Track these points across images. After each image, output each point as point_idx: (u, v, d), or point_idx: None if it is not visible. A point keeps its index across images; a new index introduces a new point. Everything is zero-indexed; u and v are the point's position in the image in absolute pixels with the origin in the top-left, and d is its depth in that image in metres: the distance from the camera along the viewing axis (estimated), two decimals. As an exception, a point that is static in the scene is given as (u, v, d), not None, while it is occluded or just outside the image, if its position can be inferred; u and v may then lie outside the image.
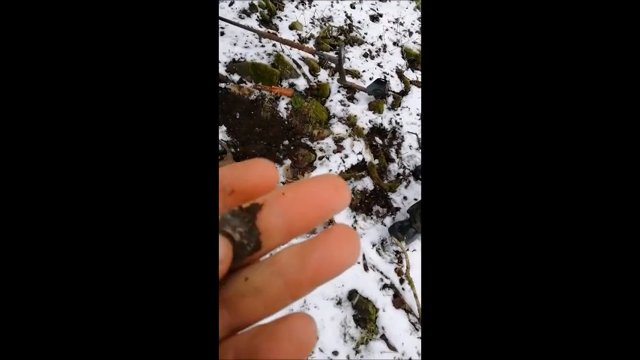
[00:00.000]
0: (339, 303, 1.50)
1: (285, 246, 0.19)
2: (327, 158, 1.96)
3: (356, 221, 1.79)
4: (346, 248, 0.17)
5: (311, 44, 2.46)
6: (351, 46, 2.61)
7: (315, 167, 1.93)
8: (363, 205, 1.88)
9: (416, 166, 2.03)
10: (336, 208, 0.18)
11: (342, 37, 2.61)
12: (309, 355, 0.17)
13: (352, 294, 1.52)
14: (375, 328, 1.47)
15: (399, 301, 1.57)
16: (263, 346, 0.16)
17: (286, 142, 1.98)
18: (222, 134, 1.87)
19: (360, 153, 2.00)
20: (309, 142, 2.01)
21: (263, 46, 2.23)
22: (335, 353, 1.37)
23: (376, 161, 2.04)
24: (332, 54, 2.25)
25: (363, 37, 2.68)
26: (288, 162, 1.91)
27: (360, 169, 1.99)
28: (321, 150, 1.99)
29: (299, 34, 2.48)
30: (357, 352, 1.39)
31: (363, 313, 1.48)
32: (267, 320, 0.18)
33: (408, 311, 1.55)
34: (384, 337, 1.47)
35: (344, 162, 1.96)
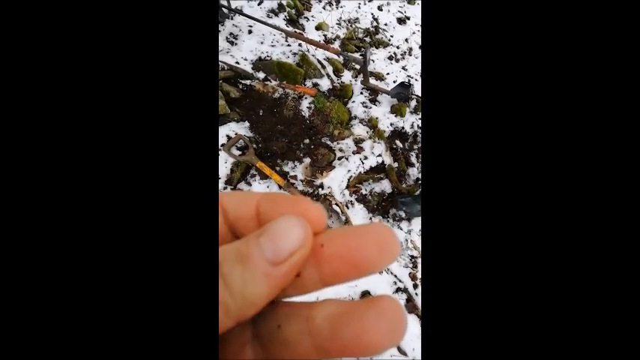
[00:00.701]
0: (351, 303, 1.50)
1: (324, 298, 0.17)
2: (347, 159, 1.97)
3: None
4: (386, 327, 0.15)
5: (336, 45, 2.47)
6: (377, 48, 2.61)
7: (334, 167, 1.94)
8: (379, 207, 1.88)
9: None
10: (381, 267, 0.16)
11: (367, 39, 2.62)
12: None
13: (365, 295, 1.53)
14: (385, 330, 1.46)
15: (411, 306, 1.56)
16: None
17: (307, 140, 2.00)
18: (245, 130, 1.92)
19: (379, 155, 2.00)
20: (329, 142, 2.02)
21: (289, 45, 2.27)
22: None
23: (395, 164, 2.03)
24: (357, 55, 2.26)
25: (389, 40, 2.67)
26: (307, 160, 1.93)
27: (378, 171, 1.99)
28: (340, 150, 2.01)
29: (325, 35, 2.50)
30: (367, 352, 1.39)
31: (375, 314, 1.48)
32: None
33: (421, 317, 1.53)
34: (394, 341, 1.46)
35: (363, 163, 1.96)
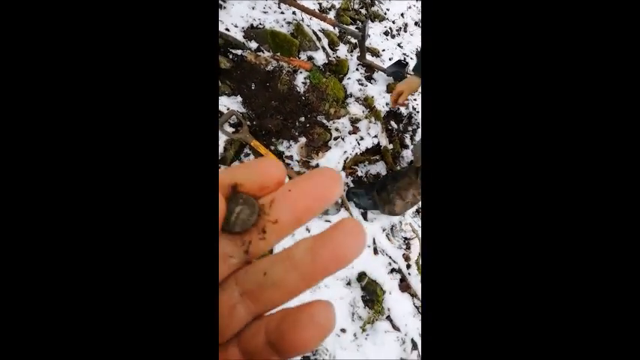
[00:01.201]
0: (348, 284, 1.54)
1: (298, 239, 0.21)
2: (343, 139, 1.93)
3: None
4: (353, 242, 0.19)
5: (331, 16, 2.33)
6: (372, 21, 2.49)
7: (330, 147, 1.90)
8: (374, 189, 1.89)
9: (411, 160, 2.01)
10: (333, 198, 0.21)
11: (363, 11, 2.49)
12: (327, 336, 0.19)
13: (361, 276, 1.56)
14: (381, 309, 1.52)
15: (405, 286, 1.62)
16: (289, 331, 0.19)
17: (302, 118, 1.93)
18: (238, 105, 1.80)
19: (375, 136, 1.98)
20: (324, 121, 1.96)
21: (282, 13, 2.11)
22: (343, 331, 1.42)
23: (390, 146, 2.02)
24: (352, 28, 2.15)
25: (385, 14, 2.56)
26: (303, 140, 1.87)
27: (374, 152, 1.98)
28: (336, 130, 1.96)
29: (320, 4, 2.34)
30: (364, 330, 1.45)
31: (371, 294, 1.53)
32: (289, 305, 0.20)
33: (413, 295, 1.61)
34: (389, 318, 1.53)
35: (359, 144, 1.93)
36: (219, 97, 1.76)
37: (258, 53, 1.95)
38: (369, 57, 2.21)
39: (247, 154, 1.72)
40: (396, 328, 1.52)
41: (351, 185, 1.82)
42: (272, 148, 1.78)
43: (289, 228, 0.22)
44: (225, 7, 2.00)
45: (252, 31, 1.99)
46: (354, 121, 2.01)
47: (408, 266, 1.67)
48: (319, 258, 0.19)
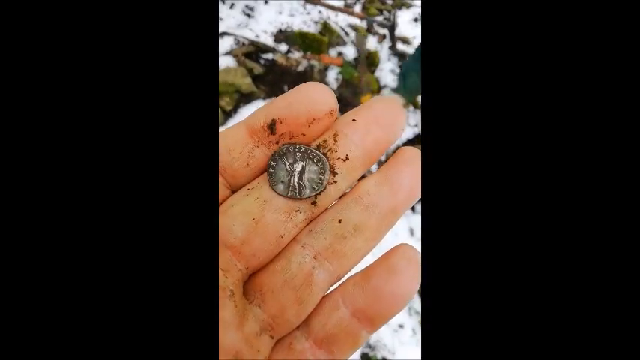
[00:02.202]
0: (401, 278, 1.48)
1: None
2: (380, 131, 1.88)
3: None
4: (416, 168, 0.18)
5: (357, 9, 2.31)
6: (399, 10, 2.43)
7: (368, 140, 1.86)
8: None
9: None
10: (402, 127, 0.18)
11: (389, 1, 2.44)
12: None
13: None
14: (439, 303, 1.45)
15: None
16: (384, 283, 0.17)
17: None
18: (274, 107, 1.84)
19: (416, 125, 1.91)
20: (360, 115, 1.93)
21: (308, 13, 2.12)
22: (401, 326, 1.37)
23: (431, 133, 1.94)
24: (380, 19, 2.11)
25: (412, 0, 2.48)
26: (340, 135, 1.86)
27: (414, 143, 1.90)
28: (373, 122, 1.92)
29: (344, -1, 2.33)
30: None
31: (427, 288, 1.45)
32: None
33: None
34: (448, 313, 1.45)
35: (398, 134, 1.88)
36: (254, 101, 1.81)
37: (289, 55, 1.98)
38: (400, 45, 2.15)
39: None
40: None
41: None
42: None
43: (362, 166, 0.19)
44: (253, 16, 2.06)
45: (281, 35, 2.03)
46: (391, 112, 1.95)
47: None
48: (397, 186, 0.18)
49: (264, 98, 1.84)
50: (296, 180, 0.19)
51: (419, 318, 1.40)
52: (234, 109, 1.77)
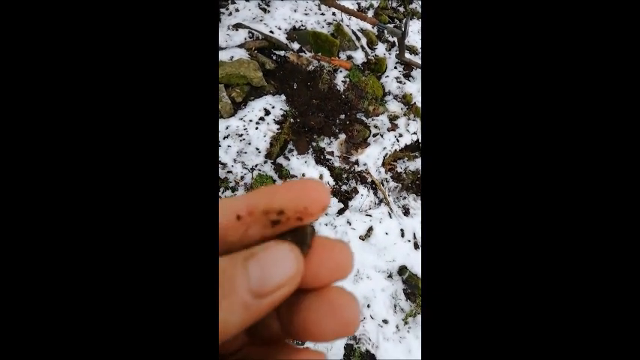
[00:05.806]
0: (389, 276, 1.57)
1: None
2: (382, 136, 1.96)
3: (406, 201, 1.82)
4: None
5: (370, 15, 2.37)
6: (410, 19, 2.50)
7: (369, 144, 1.94)
8: (414, 185, 1.90)
9: None
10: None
11: (401, 9, 2.51)
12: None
13: (402, 269, 1.59)
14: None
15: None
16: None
17: (342, 116, 1.98)
18: (282, 103, 1.89)
19: (414, 133, 1.99)
20: (364, 118, 2.00)
21: (323, 14, 2.18)
22: (385, 322, 1.46)
23: (429, 143, 2.03)
24: (391, 26, 2.18)
25: (423, 11, 2.56)
26: (342, 136, 1.93)
27: (413, 149, 1.99)
28: (375, 127, 1.99)
29: (358, 4, 2.39)
30: (406, 323, 1.47)
31: (413, 288, 1.55)
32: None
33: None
34: (430, 312, 1.54)
35: (398, 141, 1.95)
36: (265, 97, 1.86)
37: (300, 54, 2.03)
38: (407, 55, 2.22)
39: (291, 150, 1.80)
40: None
41: (391, 182, 1.85)
42: (314, 144, 1.85)
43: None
44: (269, 11, 2.10)
45: (294, 33, 2.07)
46: (393, 119, 2.03)
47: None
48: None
49: (273, 94, 1.89)
50: None
51: (403, 315, 1.49)
52: (244, 102, 1.82)
